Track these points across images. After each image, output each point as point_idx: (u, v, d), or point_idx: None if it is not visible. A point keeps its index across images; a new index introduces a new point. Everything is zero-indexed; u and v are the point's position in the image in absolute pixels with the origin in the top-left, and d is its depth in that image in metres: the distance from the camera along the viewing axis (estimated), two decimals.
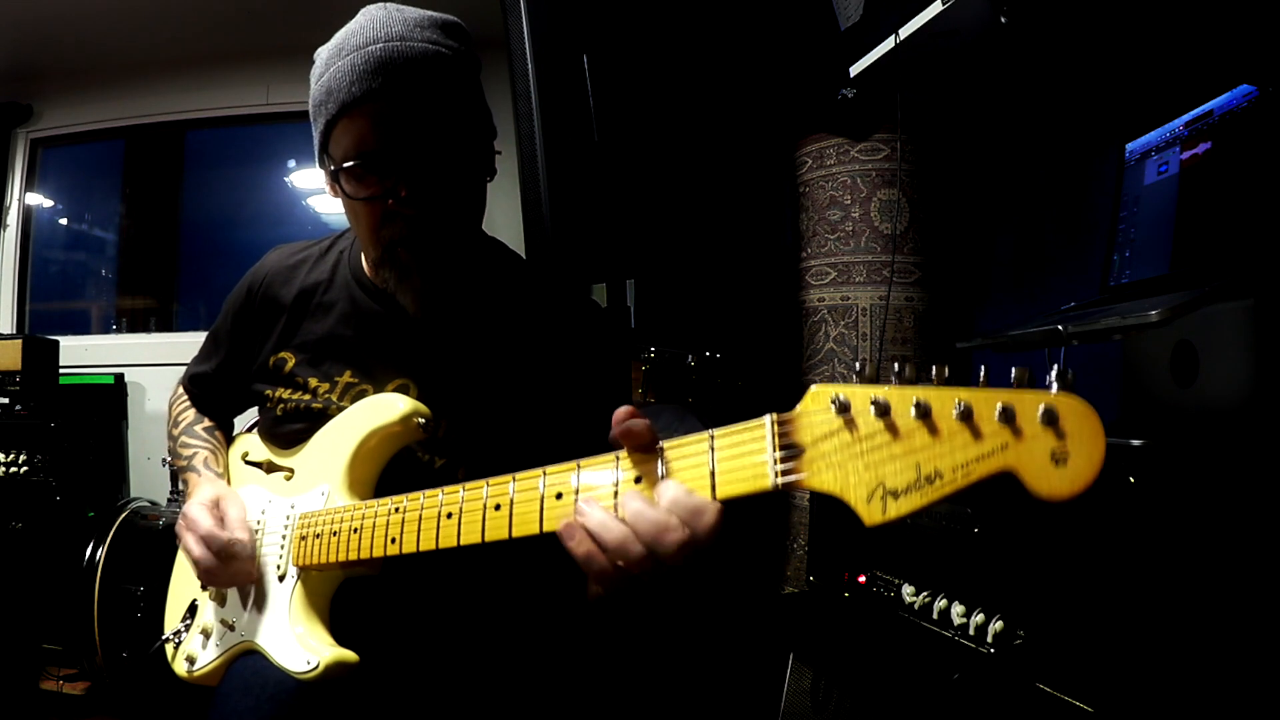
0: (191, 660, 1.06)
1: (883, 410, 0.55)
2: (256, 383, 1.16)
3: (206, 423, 1.25)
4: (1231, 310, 1.10)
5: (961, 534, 1.09)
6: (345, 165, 0.98)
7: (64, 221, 3.87)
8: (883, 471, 0.55)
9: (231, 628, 1.03)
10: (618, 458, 0.71)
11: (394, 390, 1.06)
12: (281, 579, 1.00)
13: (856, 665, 1.31)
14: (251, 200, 3.73)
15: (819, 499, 1.50)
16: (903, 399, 0.55)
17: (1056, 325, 1.20)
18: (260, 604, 1.01)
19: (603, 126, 1.78)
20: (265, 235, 3.65)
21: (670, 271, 2.38)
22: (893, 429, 0.55)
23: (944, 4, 1.55)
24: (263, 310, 1.17)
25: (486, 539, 0.79)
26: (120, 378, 3.26)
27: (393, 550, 0.89)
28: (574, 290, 1.17)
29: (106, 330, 3.69)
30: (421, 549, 0.86)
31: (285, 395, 1.12)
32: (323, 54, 1.01)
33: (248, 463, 1.15)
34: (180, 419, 1.26)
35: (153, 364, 3.35)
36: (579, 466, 0.74)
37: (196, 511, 1.01)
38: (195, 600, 1.12)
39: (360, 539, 0.92)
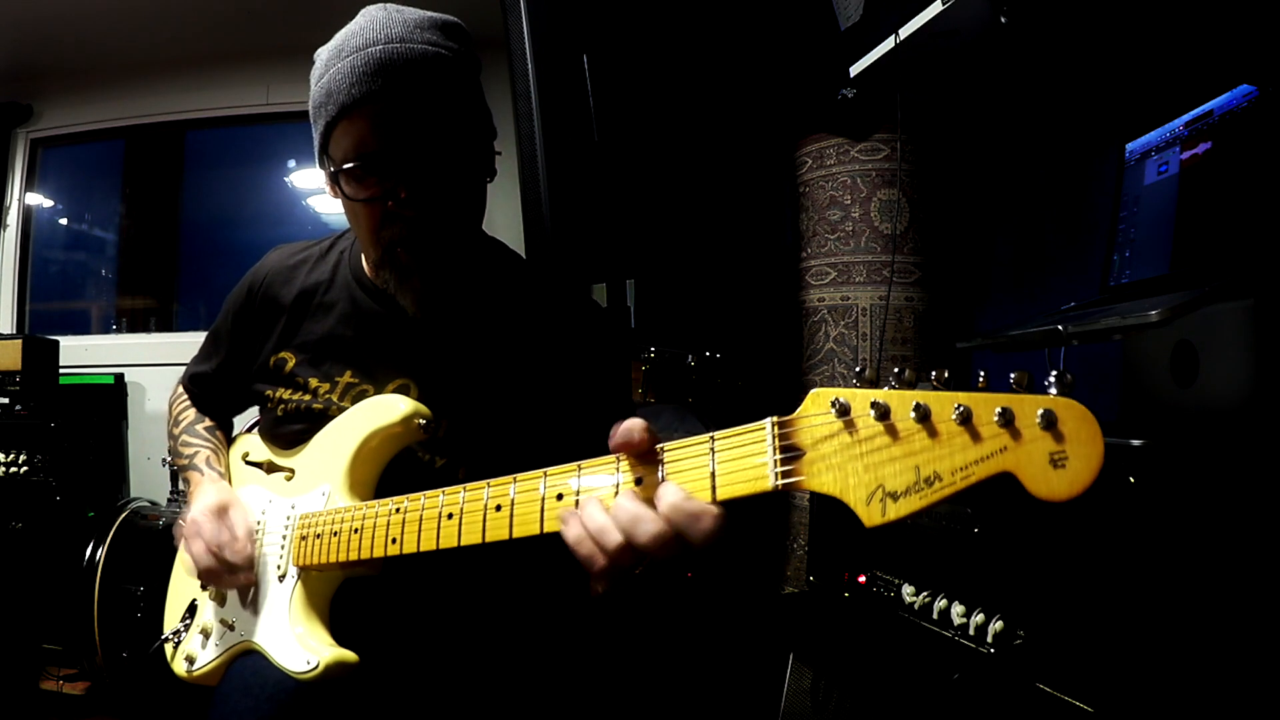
0: (191, 660, 1.06)
1: (883, 413, 0.56)
2: (257, 383, 1.16)
3: (207, 422, 1.25)
4: (1231, 310, 1.10)
5: (961, 534, 1.09)
6: (345, 166, 0.98)
7: (64, 221, 3.87)
8: (882, 473, 0.56)
9: (231, 627, 1.03)
10: (618, 459, 0.72)
11: (394, 390, 1.07)
12: (282, 579, 1.00)
13: (856, 665, 1.31)
14: (251, 200, 3.73)
15: (819, 500, 1.50)
16: (902, 402, 0.55)
17: (1056, 325, 1.20)
18: (260, 604, 1.01)
19: (603, 126, 1.78)
20: (265, 235, 3.65)
21: (670, 271, 2.38)
22: (892, 431, 0.56)
23: (944, 4, 1.55)
24: (263, 310, 1.17)
25: (487, 539, 0.80)
26: (120, 378, 3.26)
27: (393, 550, 0.89)
28: (574, 290, 1.17)
29: (106, 330, 3.69)
30: (422, 549, 0.86)
31: (286, 395, 1.12)
32: (323, 55, 1.01)
33: (248, 463, 1.15)
34: (181, 418, 1.26)
35: (153, 364, 3.35)
36: (580, 468, 0.74)
37: (196, 512, 1.01)
38: (195, 600, 1.12)
39: (361, 539, 0.92)
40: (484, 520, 0.80)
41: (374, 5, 1.03)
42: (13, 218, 3.63)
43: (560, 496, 0.74)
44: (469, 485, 0.83)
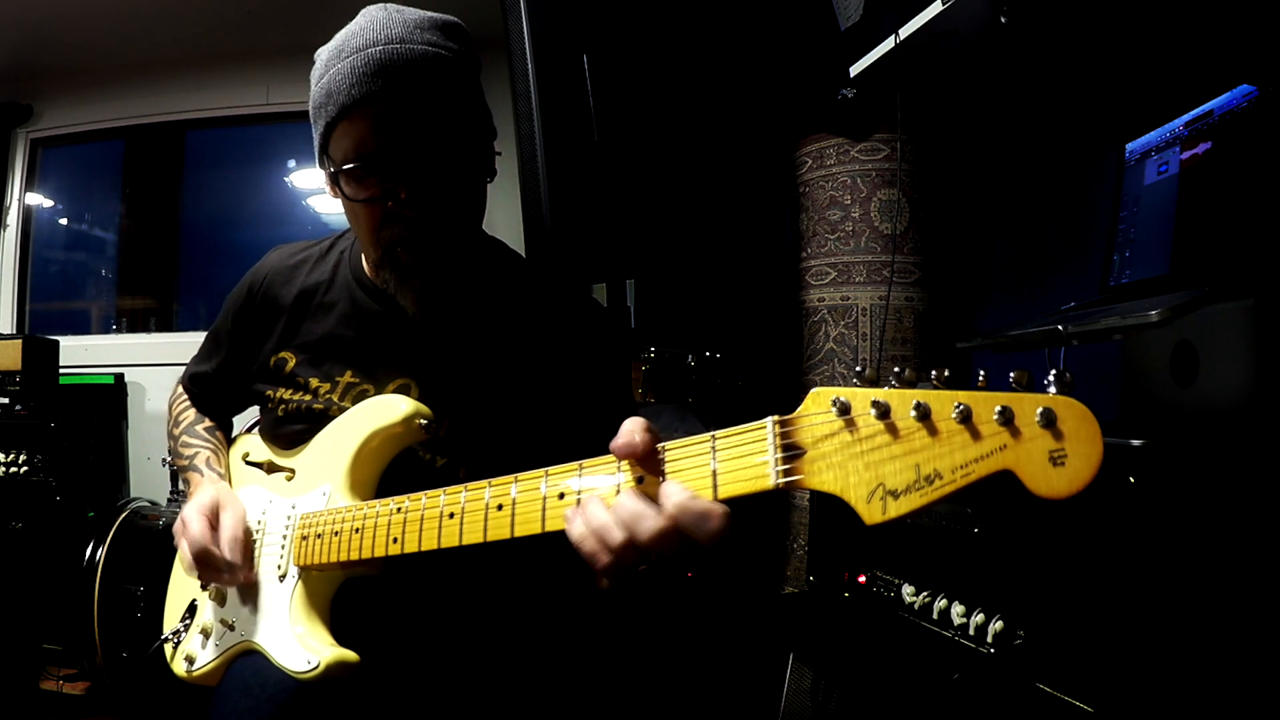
0: (191, 660, 1.06)
1: (883, 412, 0.56)
2: (257, 383, 1.16)
3: (207, 423, 1.25)
4: (1231, 310, 1.10)
5: (961, 534, 1.09)
6: (345, 167, 0.98)
7: (64, 221, 3.87)
8: (883, 472, 0.56)
9: (231, 627, 1.03)
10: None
11: (395, 390, 1.07)
12: (282, 579, 1.00)
13: (856, 665, 1.31)
14: (251, 200, 3.73)
15: (819, 499, 1.50)
16: (903, 401, 0.55)
17: (1056, 325, 1.20)
18: (260, 604, 1.01)
19: (603, 126, 1.78)
20: (265, 235, 3.65)
21: (670, 271, 2.38)
22: (893, 430, 0.56)
23: (944, 4, 1.55)
24: (263, 310, 1.17)
25: (489, 538, 0.80)
26: (120, 378, 3.26)
27: (394, 550, 0.89)
28: (574, 289, 1.17)
29: (106, 330, 3.69)
30: (424, 549, 0.86)
31: (286, 395, 1.12)
32: (323, 55, 1.01)
33: (248, 463, 1.15)
34: (181, 419, 1.26)
35: (153, 364, 3.35)
36: (581, 467, 0.74)
37: (192, 517, 1.01)
38: (195, 600, 1.12)
39: (362, 539, 0.92)
40: (485, 520, 0.80)
41: (374, 5, 1.03)
42: (13, 218, 3.63)
43: (562, 496, 0.74)
44: (470, 485, 0.83)
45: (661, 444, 0.69)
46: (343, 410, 1.06)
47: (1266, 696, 0.84)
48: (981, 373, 0.55)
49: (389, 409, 1.00)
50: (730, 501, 0.64)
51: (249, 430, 1.27)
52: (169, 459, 2.50)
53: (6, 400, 2.86)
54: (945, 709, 1.08)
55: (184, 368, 1.32)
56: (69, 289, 3.86)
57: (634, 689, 1.31)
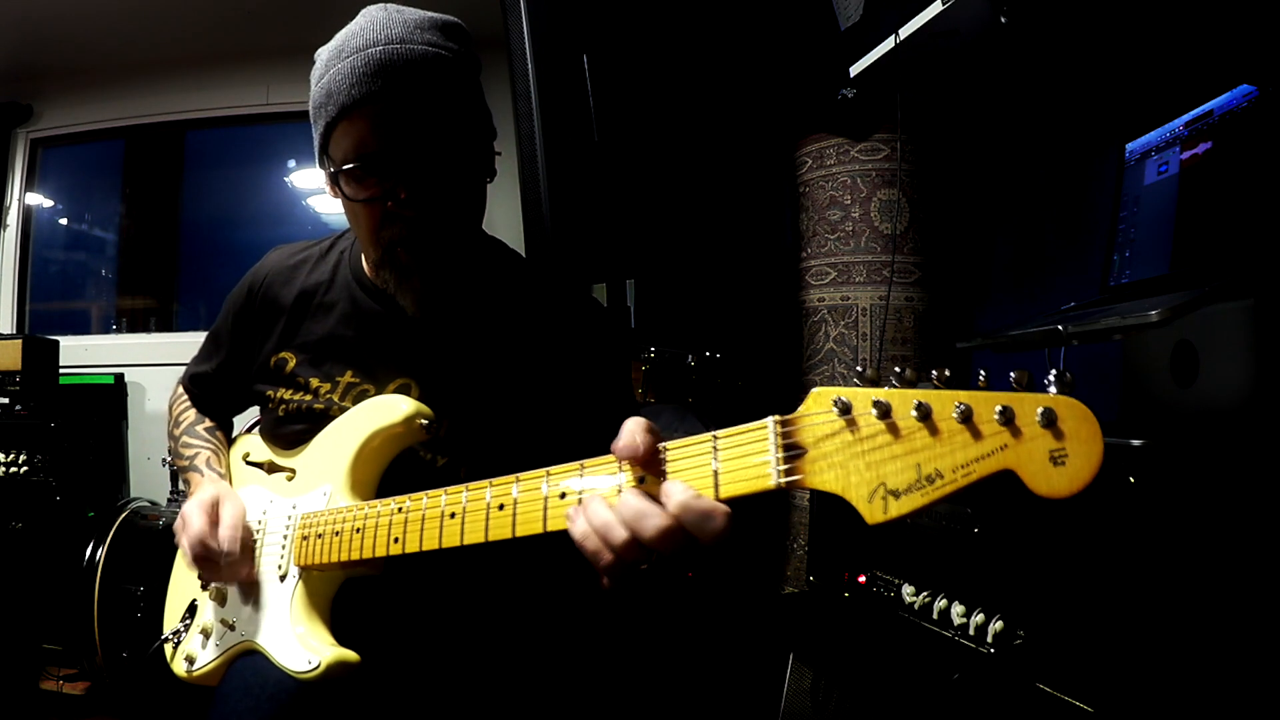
0: (191, 660, 1.06)
1: (884, 412, 0.56)
2: (257, 383, 1.16)
3: (207, 423, 1.25)
4: (1231, 310, 1.10)
5: (961, 534, 1.09)
6: (345, 167, 0.98)
7: (64, 221, 3.87)
8: (884, 471, 0.56)
9: (232, 627, 1.03)
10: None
11: (395, 390, 1.07)
12: (283, 579, 1.00)
13: (856, 665, 1.31)
14: (251, 200, 3.73)
15: (819, 499, 1.50)
16: (904, 400, 0.56)
17: (1056, 325, 1.20)
18: (261, 604, 1.01)
19: (603, 126, 1.78)
20: (265, 235, 3.65)
21: (670, 271, 2.38)
22: (894, 430, 0.56)
23: (944, 4, 1.55)
24: (263, 310, 1.17)
25: (490, 538, 0.80)
26: (120, 378, 3.26)
27: (395, 550, 0.89)
28: (574, 288, 1.17)
29: (106, 330, 3.69)
30: (425, 548, 0.86)
31: (287, 396, 1.12)
32: (323, 55, 1.01)
33: (249, 463, 1.15)
34: (181, 419, 1.26)
35: (153, 364, 3.35)
36: (583, 467, 0.74)
37: (192, 511, 1.01)
38: (195, 600, 1.12)
39: (363, 539, 0.92)
40: (487, 519, 0.80)
41: (374, 5, 1.03)
42: (13, 218, 3.63)
43: (563, 495, 0.74)
44: (471, 485, 0.83)
45: (663, 444, 0.69)
46: (343, 410, 1.06)
47: (1266, 696, 0.84)
48: (982, 373, 0.55)
49: (390, 409, 1.00)
50: (731, 501, 0.65)
51: (249, 430, 1.27)
52: (169, 459, 2.50)
53: (6, 400, 2.86)
54: (945, 709, 1.08)
55: (184, 368, 1.32)
56: (69, 289, 3.86)
57: (634, 689, 1.31)
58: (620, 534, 0.67)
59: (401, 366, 1.08)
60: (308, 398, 1.10)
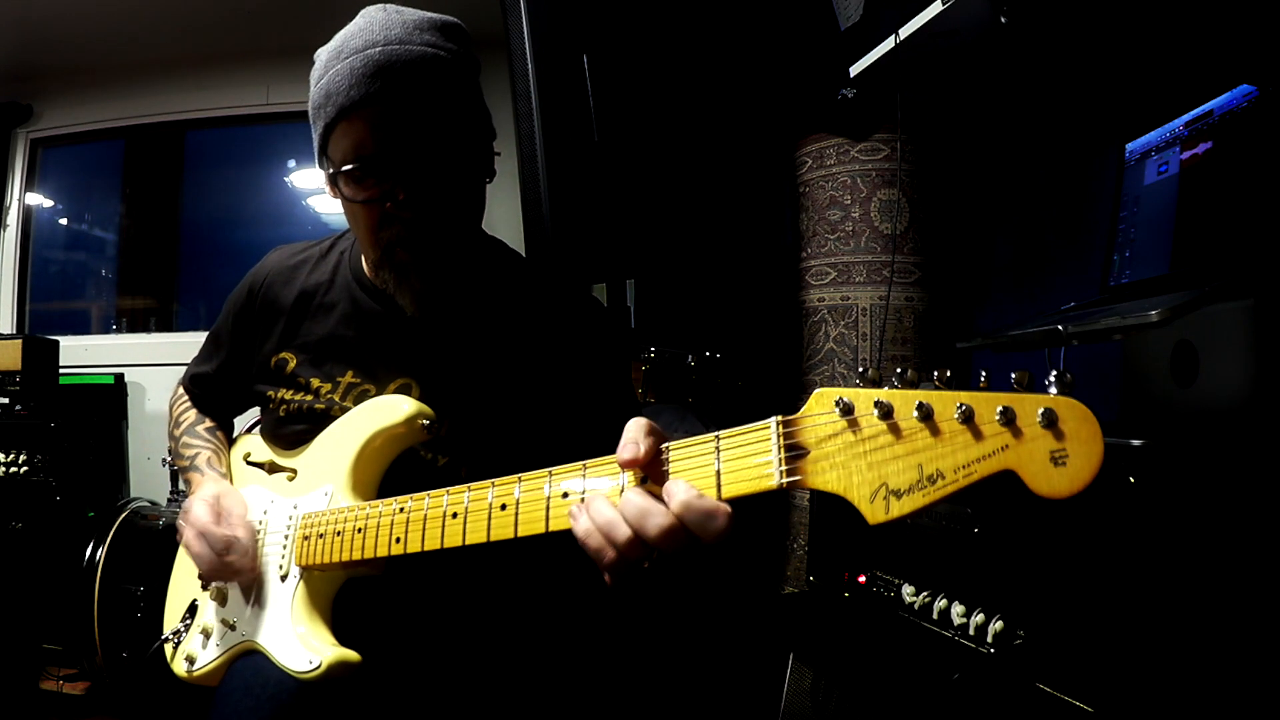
0: (191, 660, 1.06)
1: (886, 412, 0.56)
2: (258, 383, 1.17)
3: (208, 423, 1.25)
4: (1231, 310, 1.10)
5: (961, 534, 1.09)
6: (344, 168, 0.99)
7: (64, 221, 3.87)
8: (885, 471, 0.56)
9: (232, 627, 1.03)
10: None
11: (396, 390, 1.07)
12: (284, 579, 1.00)
13: (856, 665, 1.31)
14: (251, 200, 3.73)
15: (819, 499, 1.50)
16: (905, 401, 0.56)
17: (1056, 325, 1.20)
18: (262, 603, 1.01)
19: (603, 126, 1.78)
20: (265, 235, 3.65)
21: (670, 271, 2.38)
22: (896, 430, 0.56)
23: (944, 4, 1.55)
24: (264, 311, 1.17)
25: (492, 538, 0.80)
26: (120, 378, 3.26)
27: (397, 550, 0.89)
28: (575, 288, 1.17)
29: (106, 330, 3.69)
30: (427, 548, 0.86)
31: (287, 396, 1.12)
32: (322, 56, 1.01)
33: (250, 463, 1.15)
34: (182, 419, 1.26)
35: (153, 364, 3.35)
36: (585, 467, 0.74)
37: (197, 507, 1.02)
38: (195, 600, 1.12)
39: (365, 539, 0.92)
40: (489, 519, 0.80)
41: (373, 6, 1.03)
42: (13, 218, 3.63)
43: (565, 495, 0.75)
44: (473, 485, 0.83)
45: (666, 444, 0.69)
46: (344, 410, 1.06)
47: (1266, 696, 0.84)
48: (983, 373, 0.55)
49: (391, 409, 1.00)
50: (733, 501, 0.65)
51: (249, 431, 1.27)
52: (169, 459, 2.50)
53: (6, 400, 2.86)
54: (945, 709, 1.08)
55: (184, 368, 1.32)
56: (69, 289, 3.86)
57: (635, 689, 1.31)
58: (623, 532, 0.67)
59: (402, 366, 1.09)
60: (308, 398, 1.10)
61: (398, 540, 0.89)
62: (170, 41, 3.32)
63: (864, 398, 0.58)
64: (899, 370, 0.58)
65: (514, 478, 0.80)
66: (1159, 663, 0.85)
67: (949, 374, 0.56)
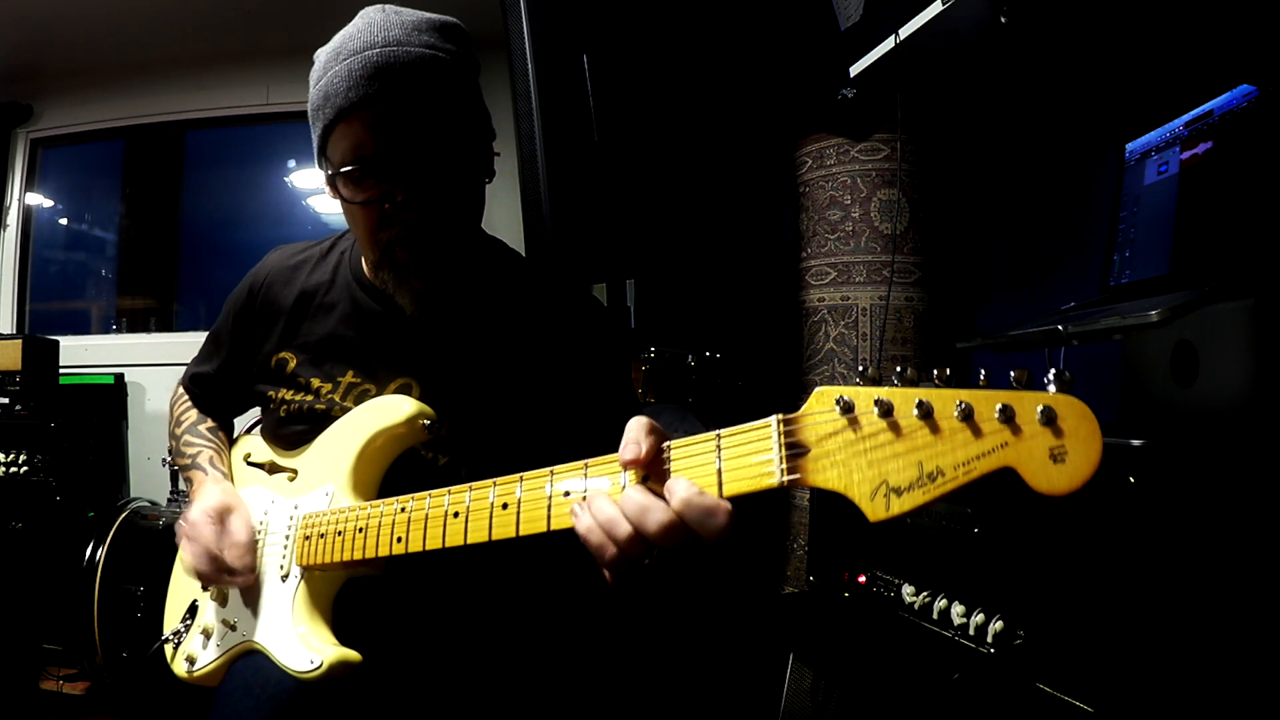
0: (191, 660, 1.06)
1: (886, 410, 0.56)
2: (259, 383, 1.17)
3: (209, 423, 1.25)
4: (1231, 310, 1.10)
5: (961, 534, 1.09)
6: (343, 169, 0.99)
7: (64, 221, 3.87)
8: (886, 469, 0.56)
9: (233, 627, 1.03)
10: None
11: (396, 390, 1.07)
12: (284, 579, 1.00)
13: (856, 665, 1.31)
14: (251, 200, 3.73)
15: (819, 499, 1.50)
16: (905, 399, 0.56)
17: (1056, 325, 1.20)
18: (263, 604, 1.01)
19: (603, 126, 1.78)
20: (265, 235, 3.66)
21: (670, 271, 2.38)
22: (896, 428, 0.56)
23: (944, 4, 1.55)
24: (264, 311, 1.17)
25: (494, 537, 0.80)
26: (120, 378, 3.26)
27: (398, 549, 0.89)
28: (575, 287, 1.17)
29: (106, 330, 3.69)
30: (428, 548, 0.87)
31: (288, 396, 1.12)
32: (321, 56, 1.01)
33: (250, 464, 1.15)
34: (182, 419, 1.26)
35: (153, 364, 3.35)
36: (587, 466, 0.75)
37: (200, 521, 1.01)
38: (195, 600, 1.12)
39: (366, 538, 0.92)
40: (491, 519, 0.80)
41: (372, 7, 1.03)
42: (13, 218, 3.63)
43: (567, 494, 0.75)
44: (475, 484, 0.83)
45: (667, 443, 0.70)
46: (345, 410, 1.06)
47: (1266, 696, 0.84)
48: (982, 372, 0.55)
49: (392, 409, 1.00)
50: (733, 499, 0.65)
51: (250, 431, 1.27)
52: (169, 459, 2.50)
53: (6, 400, 2.86)
54: (945, 709, 1.08)
55: (184, 368, 1.32)
56: (69, 289, 3.86)
57: (635, 689, 1.31)
58: (624, 528, 0.67)
59: (402, 366, 1.09)
60: (309, 398, 1.10)
61: (399, 540, 0.89)
62: (170, 41, 3.32)
63: (864, 396, 0.58)
64: (899, 369, 0.58)
65: (515, 477, 0.80)
66: (1159, 663, 0.84)
67: (949, 372, 0.56)
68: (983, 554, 1.06)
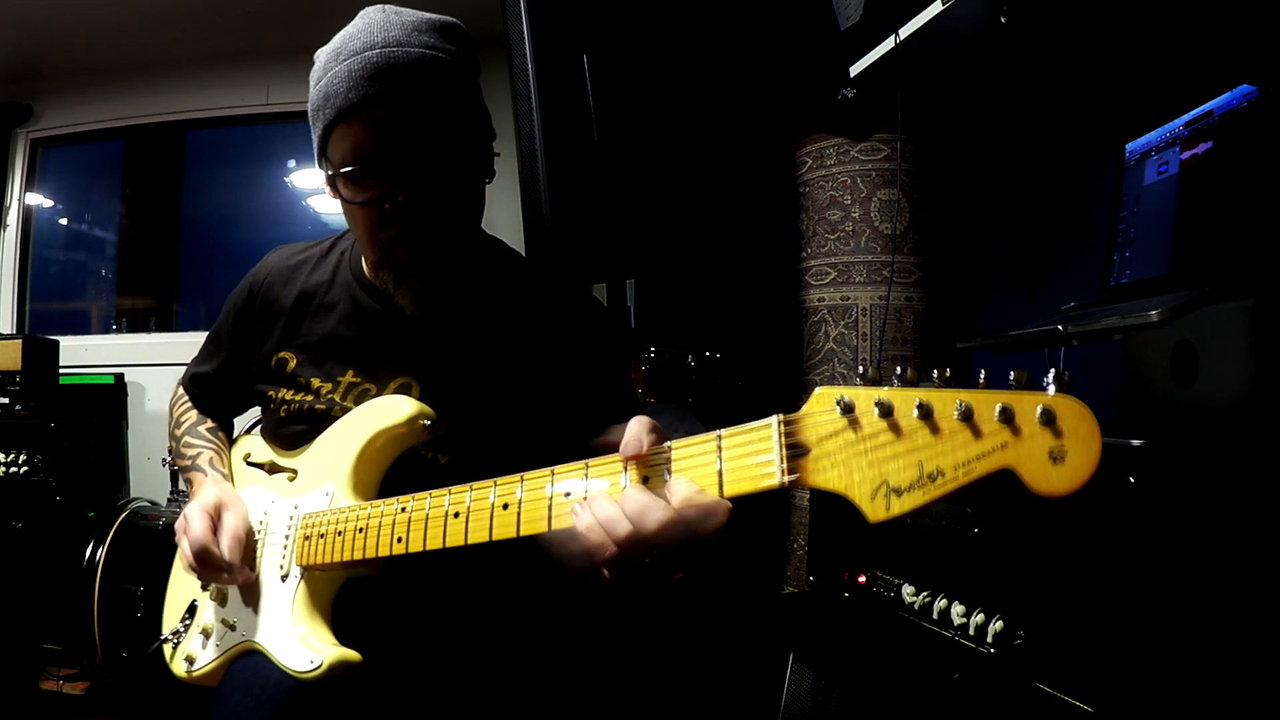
0: (191, 660, 1.06)
1: (886, 411, 0.56)
2: (259, 383, 1.17)
3: (209, 423, 1.25)
4: (1231, 310, 1.10)
5: (961, 534, 1.09)
6: (343, 170, 0.99)
7: (64, 221, 3.87)
8: (886, 469, 0.56)
9: (232, 627, 1.03)
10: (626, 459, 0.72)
11: (396, 390, 1.07)
12: (284, 579, 1.00)
13: (856, 665, 1.31)
14: (251, 200, 3.73)
15: (819, 499, 1.50)
16: (905, 400, 0.56)
17: (1056, 325, 1.20)
18: (262, 604, 1.01)
19: (603, 126, 1.78)
20: (265, 235, 3.65)
21: (670, 271, 2.38)
22: (896, 429, 0.56)
23: (944, 4, 1.55)
24: (264, 311, 1.17)
25: (494, 537, 0.80)
26: (120, 378, 3.26)
27: (399, 549, 0.89)
28: (574, 286, 1.17)
29: (106, 330, 3.69)
30: (429, 548, 0.87)
31: (288, 396, 1.12)
32: (321, 57, 1.01)
33: (250, 464, 1.15)
34: (182, 419, 1.26)
35: (153, 364, 3.35)
36: (588, 466, 0.75)
37: (194, 515, 1.01)
38: (195, 600, 1.12)
39: (366, 538, 0.92)
40: (491, 519, 0.80)
41: (372, 7, 1.03)
42: (13, 218, 3.63)
43: (568, 494, 0.75)
44: (475, 485, 0.83)
45: (668, 443, 0.70)
46: (345, 410, 1.06)
47: (1266, 696, 0.84)
48: (982, 372, 0.55)
49: (393, 410, 1.00)
50: (734, 499, 0.65)
51: (250, 431, 1.27)
52: (169, 459, 2.50)
53: (6, 400, 2.86)
54: (945, 709, 1.08)
55: (184, 368, 1.32)
56: (69, 289, 3.86)
57: (635, 689, 1.31)
58: (624, 527, 0.67)
59: (402, 366, 1.09)
60: (309, 398, 1.10)
61: (399, 540, 0.89)
62: (170, 41, 3.32)
63: (864, 396, 0.58)
64: (899, 369, 0.58)
65: (516, 477, 0.80)
66: (1159, 663, 0.84)
67: (948, 373, 0.56)
68: (983, 554, 1.06)
